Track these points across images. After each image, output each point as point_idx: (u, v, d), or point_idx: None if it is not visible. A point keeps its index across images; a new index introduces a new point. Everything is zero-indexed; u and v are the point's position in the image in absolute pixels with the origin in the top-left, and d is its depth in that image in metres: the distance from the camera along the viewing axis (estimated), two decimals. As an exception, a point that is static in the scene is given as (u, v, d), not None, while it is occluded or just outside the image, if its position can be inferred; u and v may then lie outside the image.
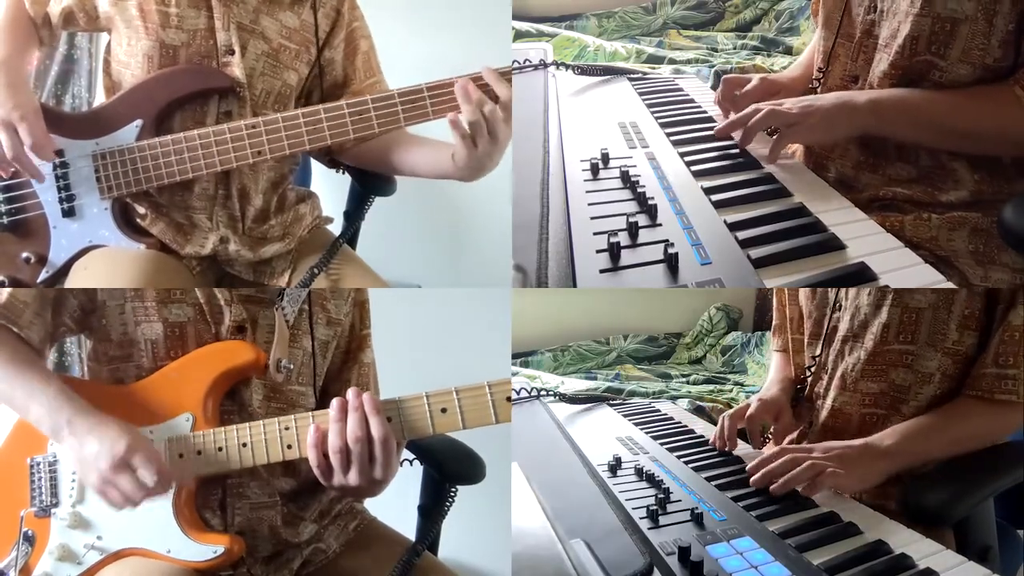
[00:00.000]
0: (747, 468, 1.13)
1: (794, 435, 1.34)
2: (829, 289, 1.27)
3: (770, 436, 1.36)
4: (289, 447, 1.04)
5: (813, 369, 1.30)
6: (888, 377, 1.18)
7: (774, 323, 1.51)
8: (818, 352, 1.29)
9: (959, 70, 1.10)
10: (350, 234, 1.47)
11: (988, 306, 1.13)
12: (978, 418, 1.12)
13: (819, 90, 1.28)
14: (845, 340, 1.23)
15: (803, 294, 1.36)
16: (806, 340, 1.34)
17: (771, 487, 1.08)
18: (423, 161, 1.29)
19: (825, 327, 1.28)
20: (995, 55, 1.09)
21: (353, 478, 1.00)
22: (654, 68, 2.39)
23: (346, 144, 1.30)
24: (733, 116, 1.25)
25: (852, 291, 1.23)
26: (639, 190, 1.08)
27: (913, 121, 1.12)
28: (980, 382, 1.12)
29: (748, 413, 1.34)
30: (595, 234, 0.98)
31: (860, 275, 0.92)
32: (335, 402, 1.00)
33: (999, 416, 1.11)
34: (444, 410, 1.01)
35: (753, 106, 1.21)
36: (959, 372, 1.15)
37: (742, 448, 1.39)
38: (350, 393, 1.00)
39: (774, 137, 1.20)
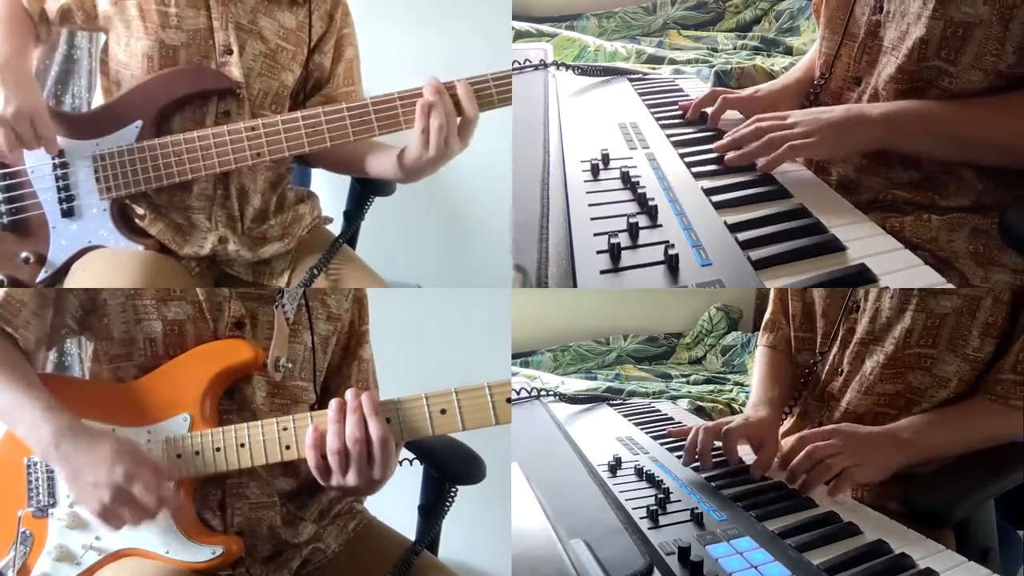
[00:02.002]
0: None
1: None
2: (847, 290, 1.25)
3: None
4: (287, 448, 1.04)
5: (826, 369, 1.29)
6: (905, 379, 1.18)
7: (767, 318, 1.47)
8: (831, 352, 1.27)
9: (970, 76, 1.07)
10: (350, 234, 1.47)
11: (1012, 313, 1.13)
12: (991, 420, 1.14)
13: (820, 93, 1.27)
14: (864, 343, 1.22)
15: (817, 292, 1.33)
16: (818, 339, 1.31)
17: (796, 486, 1.10)
18: (372, 162, 1.29)
19: (841, 328, 1.26)
20: (1008, 61, 1.05)
21: (352, 479, 1.00)
22: (654, 68, 2.39)
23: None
24: (734, 134, 1.20)
25: (872, 293, 1.21)
26: (639, 191, 1.08)
27: (929, 135, 1.09)
28: (996, 387, 1.13)
29: (726, 428, 1.24)
30: (595, 235, 0.98)
31: (860, 276, 0.92)
32: (334, 403, 1.00)
33: (1011, 420, 1.13)
34: (443, 411, 1.01)
35: (755, 125, 1.16)
36: (975, 378, 1.16)
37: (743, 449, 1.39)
38: (349, 394, 1.00)
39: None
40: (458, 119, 1.15)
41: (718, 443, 1.24)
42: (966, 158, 1.11)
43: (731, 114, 1.37)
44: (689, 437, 1.26)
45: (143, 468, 0.98)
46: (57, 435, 0.99)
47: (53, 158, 1.18)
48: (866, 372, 1.21)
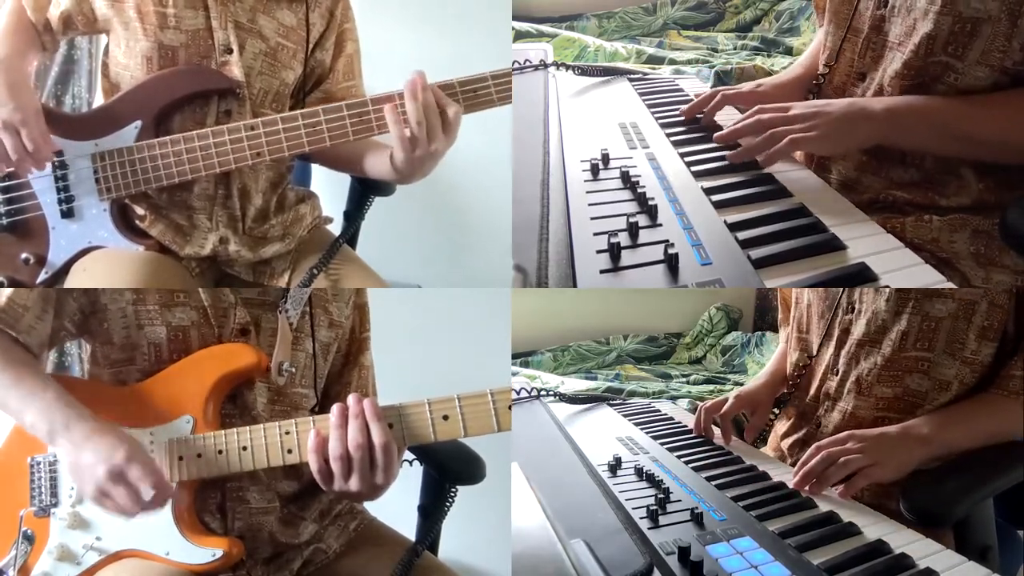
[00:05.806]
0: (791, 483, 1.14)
1: (789, 434, 1.33)
2: (840, 290, 1.26)
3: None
4: (289, 452, 1.03)
5: (821, 369, 1.29)
6: (904, 383, 1.17)
7: (779, 317, 1.51)
8: (827, 352, 1.27)
9: (976, 72, 1.06)
10: (350, 234, 1.46)
11: (1016, 317, 1.13)
12: (1004, 415, 1.14)
13: (823, 86, 1.26)
14: (861, 344, 1.21)
15: (814, 292, 1.33)
16: (816, 340, 1.32)
17: (807, 487, 1.10)
18: (369, 162, 1.29)
19: (836, 328, 1.26)
20: (1015, 58, 1.04)
21: (354, 484, 0.99)
22: (654, 68, 2.39)
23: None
24: (736, 124, 1.20)
25: (869, 294, 1.21)
26: (639, 190, 1.08)
27: (930, 131, 1.08)
28: (1010, 382, 1.13)
29: (724, 409, 1.43)
30: (595, 234, 0.98)
31: (860, 275, 0.92)
32: (336, 408, 1.00)
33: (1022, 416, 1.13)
34: (446, 417, 1.01)
35: (756, 117, 1.15)
36: (976, 381, 1.15)
37: (747, 450, 1.39)
38: (351, 399, 1.00)
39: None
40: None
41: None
42: (966, 154, 1.11)
43: (731, 112, 1.37)
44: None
45: (143, 458, 1.00)
46: (67, 420, 1.01)
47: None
48: (863, 373, 1.21)
